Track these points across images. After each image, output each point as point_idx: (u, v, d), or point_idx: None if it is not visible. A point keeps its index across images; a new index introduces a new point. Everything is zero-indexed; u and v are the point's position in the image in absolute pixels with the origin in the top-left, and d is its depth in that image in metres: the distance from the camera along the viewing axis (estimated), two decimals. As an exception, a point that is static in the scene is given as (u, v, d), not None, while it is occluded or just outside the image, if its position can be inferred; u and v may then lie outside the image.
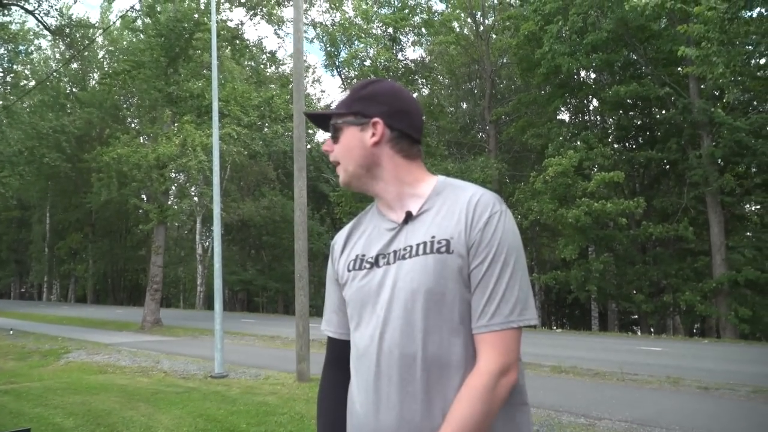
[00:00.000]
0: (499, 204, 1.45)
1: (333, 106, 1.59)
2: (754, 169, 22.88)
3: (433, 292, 1.38)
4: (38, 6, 24.35)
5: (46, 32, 28.32)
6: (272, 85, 29.29)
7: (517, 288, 1.40)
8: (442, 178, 1.55)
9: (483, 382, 1.34)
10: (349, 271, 1.54)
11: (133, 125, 33.14)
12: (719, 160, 22.18)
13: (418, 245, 1.43)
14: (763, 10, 15.94)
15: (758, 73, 21.32)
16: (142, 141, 26.51)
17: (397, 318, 1.40)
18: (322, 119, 1.62)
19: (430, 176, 1.56)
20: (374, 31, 31.40)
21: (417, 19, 31.45)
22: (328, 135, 1.60)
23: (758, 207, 25.53)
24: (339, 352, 1.61)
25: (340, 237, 1.65)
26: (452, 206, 1.45)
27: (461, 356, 1.39)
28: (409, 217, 1.49)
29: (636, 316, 28.46)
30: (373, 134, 1.51)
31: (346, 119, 1.53)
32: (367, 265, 1.50)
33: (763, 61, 20.34)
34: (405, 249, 1.45)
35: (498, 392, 1.35)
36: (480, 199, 1.44)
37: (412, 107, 1.56)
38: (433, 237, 1.42)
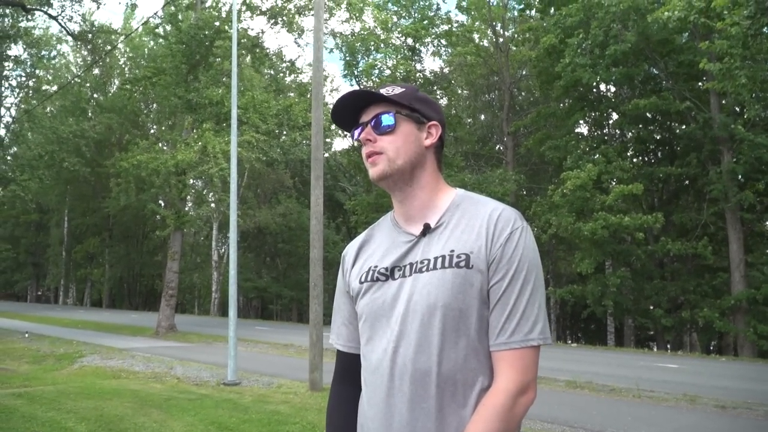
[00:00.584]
0: (521, 220, 1.43)
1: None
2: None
3: (450, 308, 1.36)
4: (62, 11, 24.70)
5: (68, 37, 28.73)
6: (291, 94, 29.45)
7: (537, 306, 1.38)
8: (461, 191, 1.54)
9: (501, 401, 1.32)
10: (361, 282, 1.51)
11: (152, 131, 33.44)
12: (740, 176, 21.93)
13: (436, 259, 1.41)
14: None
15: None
16: (161, 147, 26.74)
17: (412, 332, 1.38)
18: (350, 111, 1.53)
19: (449, 188, 1.55)
20: (393, 41, 31.49)
21: (437, 30, 31.52)
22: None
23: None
24: (348, 365, 1.58)
25: (351, 248, 1.62)
26: (472, 220, 1.44)
27: (477, 374, 1.36)
28: (426, 230, 1.47)
29: (652, 332, 28.14)
30: (429, 135, 1.52)
31: (410, 114, 1.51)
32: (382, 278, 1.47)
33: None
34: (422, 262, 1.43)
35: (516, 412, 1.32)
36: (501, 215, 1.42)
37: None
38: (452, 251, 1.40)
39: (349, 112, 1.55)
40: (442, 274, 1.38)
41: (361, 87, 33.39)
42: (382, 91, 1.51)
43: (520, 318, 1.35)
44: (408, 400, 1.36)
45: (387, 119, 1.48)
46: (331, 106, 1.49)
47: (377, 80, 30.95)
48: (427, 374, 1.35)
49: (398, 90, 1.51)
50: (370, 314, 1.47)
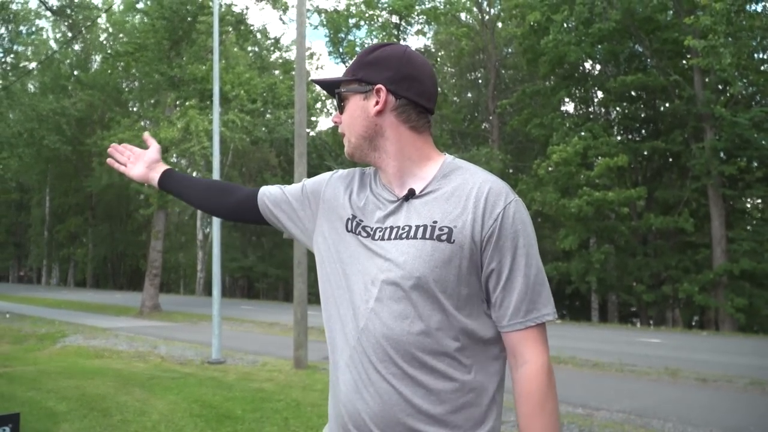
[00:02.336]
0: (512, 193, 1.38)
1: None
2: (755, 163, 22.82)
3: (425, 279, 1.32)
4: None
5: (47, 12, 28.15)
6: (276, 71, 29.14)
7: (542, 280, 1.36)
8: (450, 158, 1.47)
9: (543, 379, 1.33)
10: (335, 226, 1.48)
11: (134, 109, 32.99)
12: (721, 153, 22.08)
13: (417, 227, 1.36)
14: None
15: (762, 68, 21.17)
16: (143, 125, 26.39)
17: (384, 299, 1.34)
18: (330, 88, 1.53)
19: (438, 154, 1.46)
20: (379, 18, 31.14)
21: (422, 7, 31.18)
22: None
23: (759, 201, 25.47)
24: (248, 202, 1.65)
25: (341, 179, 1.56)
26: (459, 192, 1.38)
27: (444, 347, 1.33)
28: (411, 195, 1.41)
29: (635, 308, 28.44)
30: (377, 102, 1.41)
31: (350, 87, 1.45)
32: (363, 233, 1.42)
33: (765, 55, 20.22)
34: (403, 228, 1.37)
35: (554, 383, 1.35)
36: (491, 188, 1.36)
37: (423, 73, 1.45)
38: (435, 222, 1.35)
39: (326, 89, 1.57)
40: (422, 245, 1.33)
41: (347, 64, 33.09)
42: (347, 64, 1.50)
43: (532, 295, 1.34)
44: (375, 364, 1.33)
45: (337, 104, 1.49)
46: (315, 85, 1.48)
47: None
48: (396, 341, 1.32)
49: (351, 63, 1.49)
50: (341, 265, 1.43)
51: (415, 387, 1.31)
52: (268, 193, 1.63)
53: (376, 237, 1.40)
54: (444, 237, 1.33)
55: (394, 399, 1.32)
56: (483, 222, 1.33)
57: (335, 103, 1.51)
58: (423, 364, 1.32)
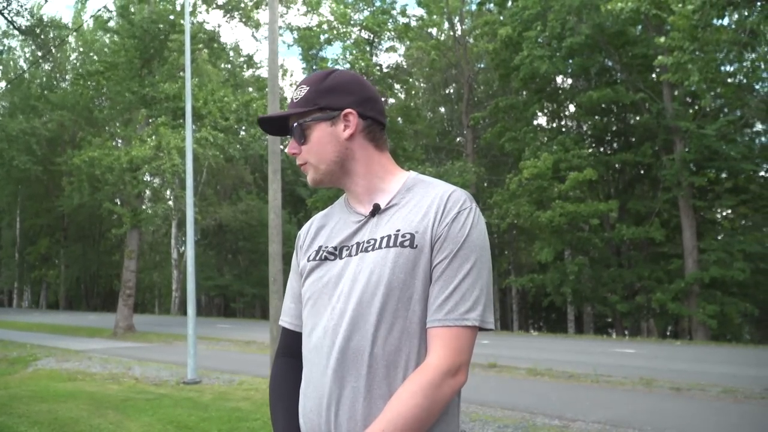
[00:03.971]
0: (470, 201, 1.41)
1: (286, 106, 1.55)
2: (724, 174, 23.28)
3: (390, 287, 1.34)
4: (7, 5, 23.83)
5: (15, 32, 27.83)
6: (250, 89, 29.07)
7: (479, 288, 1.35)
8: (414, 174, 1.51)
9: (428, 378, 1.29)
10: (309, 260, 1.50)
11: (106, 128, 32.68)
12: (691, 165, 22.49)
13: (382, 238, 1.39)
14: (734, 18, 16.21)
15: (728, 80, 21.67)
16: (115, 144, 26.14)
17: (351, 311, 1.35)
18: (276, 123, 1.54)
19: (401, 171, 1.52)
20: (352, 35, 31.29)
21: (394, 23, 31.39)
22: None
23: (729, 211, 25.95)
24: (292, 342, 1.55)
25: (305, 228, 1.61)
26: (421, 201, 1.42)
27: (413, 357, 1.33)
28: (376, 210, 1.45)
29: (611, 319, 28.73)
30: (346, 126, 1.45)
31: (314, 116, 1.45)
32: (330, 257, 1.46)
33: (731, 68, 20.67)
34: (369, 242, 1.41)
35: (442, 391, 1.29)
36: (451, 195, 1.40)
37: (376, 92, 1.53)
38: (398, 230, 1.38)
39: (273, 125, 1.56)
40: (386, 253, 1.36)
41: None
42: (292, 96, 1.49)
43: (460, 297, 1.33)
44: (340, 378, 1.33)
45: (297, 133, 1.47)
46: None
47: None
48: (360, 353, 1.33)
49: (302, 91, 1.47)
50: (314, 293, 1.45)
51: (378, 399, 1.32)
52: (292, 313, 1.57)
53: (343, 255, 1.43)
54: (407, 243, 1.36)
55: (360, 413, 1.32)
56: (438, 225, 1.36)
57: (292, 136, 1.50)
58: (386, 375, 1.32)
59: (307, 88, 1.47)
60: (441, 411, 1.31)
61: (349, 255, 1.42)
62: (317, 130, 1.45)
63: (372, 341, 1.32)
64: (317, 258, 1.48)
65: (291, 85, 37.24)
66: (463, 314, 1.32)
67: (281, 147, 11.11)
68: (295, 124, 1.47)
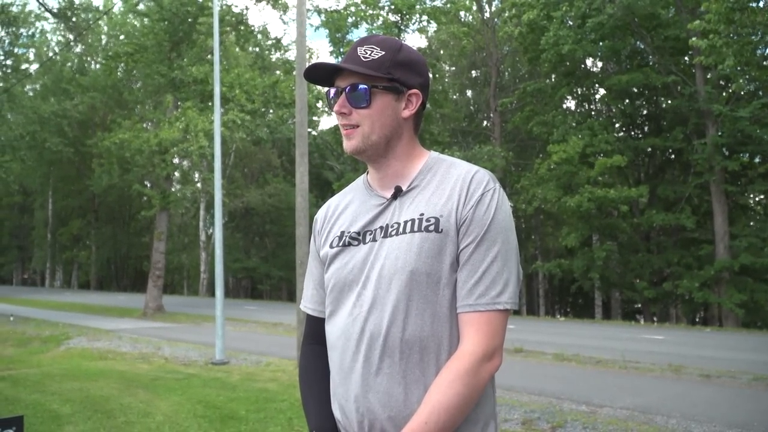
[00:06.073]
0: (493, 181, 1.39)
1: (346, 60, 1.42)
2: (757, 159, 22.78)
3: (417, 273, 1.33)
4: (39, -12, 24.11)
5: (47, 14, 28.16)
6: (277, 71, 29.12)
7: (507, 270, 1.34)
8: (435, 154, 1.49)
9: (465, 365, 1.28)
10: (332, 247, 1.47)
11: (136, 110, 33.04)
12: (723, 149, 22.03)
13: (405, 222, 1.38)
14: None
15: (764, 63, 21.12)
16: (145, 126, 26.39)
17: (379, 298, 1.35)
18: (326, 71, 1.44)
19: (423, 152, 1.49)
20: (379, 17, 31.07)
21: (422, 5, 31.07)
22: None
23: (762, 197, 25.42)
24: (318, 328, 1.54)
25: (322, 211, 1.58)
26: (443, 183, 1.40)
27: (445, 341, 1.33)
28: (398, 193, 1.43)
29: (639, 305, 28.44)
30: (407, 106, 1.43)
31: (387, 85, 1.39)
32: (354, 242, 1.44)
33: (767, 51, 20.17)
34: (392, 226, 1.39)
35: (480, 377, 1.29)
36: (474, 176, 1.38)
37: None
38: (422, 215, 1.37)
39: (322, 73, 1.46)
40: (411, 238, 1.35)
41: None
42: (359, 51, 1.40)
43: (489, 280, 1.32)
44: (375, 365, 1.33)
45: (360, 95, 1.39)
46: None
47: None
48: (393, 340, 1.32)
49: (376, 53, 1.40)
50: (339, 279, 1.43)
51: (413, 384, 1.32)
52: (315, 299, 1.56)
53: (367, 240, 1.42)
54: (431, 227, 1.34)
55: (395, 399, 1.32)
56: (462, 208, 1.35)
57: (346, 92, 1.40)
58: (419, 360, 1.32)
59: (383, 52, 1.40)
60: (480, 396, 1.31)
61: (373, 239, 1.41)
62: (382, 100, 1.40)
63: (402, 327, 1.32)
64: (340, 244, 1.45)
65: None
66: (494, 298, 1.31)
67: (311, 132, 11.10)
68: (363, 86, 1.39)
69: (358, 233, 1.44)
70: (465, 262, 1.33)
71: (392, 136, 1.43)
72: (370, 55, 1.40)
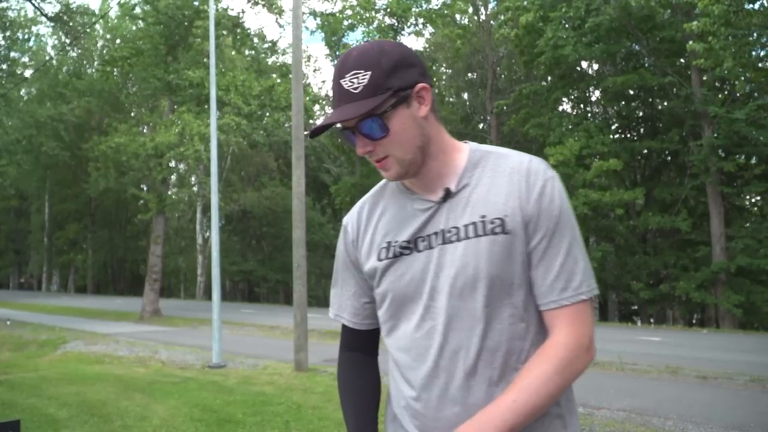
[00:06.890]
0: (549, 169, 1.33)
1: (334, 105, 1.30)
2: (753, 160, 22.84)
3: (492, 278, 1.26)
4: (35, -8, 24.14)
5: (43, 19, 28.16)
6: (273, 75, 29.13)
7: (581, 258, 1.31)
8: (474, 145, 1.40)
9: (560, 354, 1.25)
10: (380, 260, 1.37)
11: (132, 114, 33.04)
12: (719, 150, 22.09)
13: (466, 226, 1.29)
14: (765, 1, 15.83)
15: (760, 64, 21.21)
16: (141, 130, 26.37)
17: (454, 309, 1.28)
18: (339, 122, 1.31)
19: (459, 144, 1.39)
20: (375, 21, 31.13)
21: (418, 9, 31.15)
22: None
23: (758, 198, 25.48)
24: (355, 339, 1.49)
25: (352, 217, 1.46)
26: (496, 178, 1.32)
27: (527, 343, 1.30)
28: (448, 195, 1.33)
29: (636, 307, 28.48)
30: (420, 103, 1.30)
31: (392, 102, 1.26)
32: (405, 251, 1.34)
33: (763, 52, 20.24)
34: (450, 231, 1.31)
35: (575, 368, 1.27)
36: (530, 168, 1.31)
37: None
38: (484, 216, 1.29)
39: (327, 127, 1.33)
40: (477, 243, 1.27)
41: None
42: (345, 85, 1.26)
43: (568, 273, 1.28)
44: (457, 378, 1.28)
45: (375, 127, 1.27)
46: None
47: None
48: (474, 350, 1.27)
49: (363, 78, 1.25)
50: (398, 293, 1.35)
51: (498, 392, 1.28)
52: (350, 309, 1.49)
53: (421, 248, 1.33)
54: (498, 229, 1.28)
55: (479, 407, 1.27)
56: (526, 203, 1.29)
57: (358, 133, 1.29)
58: (503, 365, 1.28)
59: (368, 73, 1.25)
60: (569, 386, 1.30)
61: (429, 247, 1.32)
62: (397, 117, 1.27)
63: (484, 336, 1.27)
64: (390, 255, 1.35)
65: (314, 71, 37.18)
66: (576, 290, 1.28)
67: (305, 133, 11.08)
68: (372, 118, 1.26)
69: (409, 241, 1.34)
70: (540, 259, 1.29)
71: (423, 143, 1.31)
72: (358, 82, 1.25)
